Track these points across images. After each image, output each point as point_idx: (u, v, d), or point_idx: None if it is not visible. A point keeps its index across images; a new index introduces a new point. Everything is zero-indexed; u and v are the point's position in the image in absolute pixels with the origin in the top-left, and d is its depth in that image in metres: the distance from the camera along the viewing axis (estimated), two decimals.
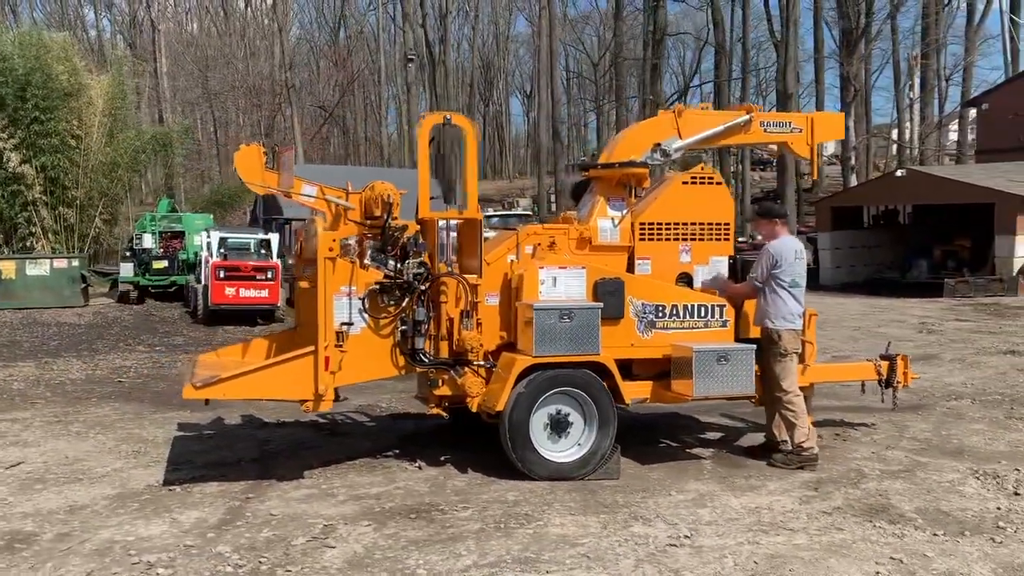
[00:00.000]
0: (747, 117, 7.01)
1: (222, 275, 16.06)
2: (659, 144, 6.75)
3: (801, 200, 36.16)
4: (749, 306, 6.66)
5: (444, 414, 6.45)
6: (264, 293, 16.37)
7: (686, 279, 6.67)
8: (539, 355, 5.88)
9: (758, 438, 7.03)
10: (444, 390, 6.17)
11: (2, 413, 8.60)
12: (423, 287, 6.05)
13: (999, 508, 5.38)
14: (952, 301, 19.25)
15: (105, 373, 11.17)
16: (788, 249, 6.49)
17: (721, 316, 6.47)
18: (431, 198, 6.43)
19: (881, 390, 7.33)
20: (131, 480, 6.15)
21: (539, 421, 5.98)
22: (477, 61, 65.84)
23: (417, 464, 6.40)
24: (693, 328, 6.39)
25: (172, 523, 5.21)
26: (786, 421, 6.38)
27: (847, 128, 29.65)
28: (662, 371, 6.37)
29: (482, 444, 6.50)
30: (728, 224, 6.79)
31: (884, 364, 7.27)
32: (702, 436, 7.44)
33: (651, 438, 7.24)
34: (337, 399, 5.95)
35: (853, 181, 35.74)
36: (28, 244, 22.96)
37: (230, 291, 16.05)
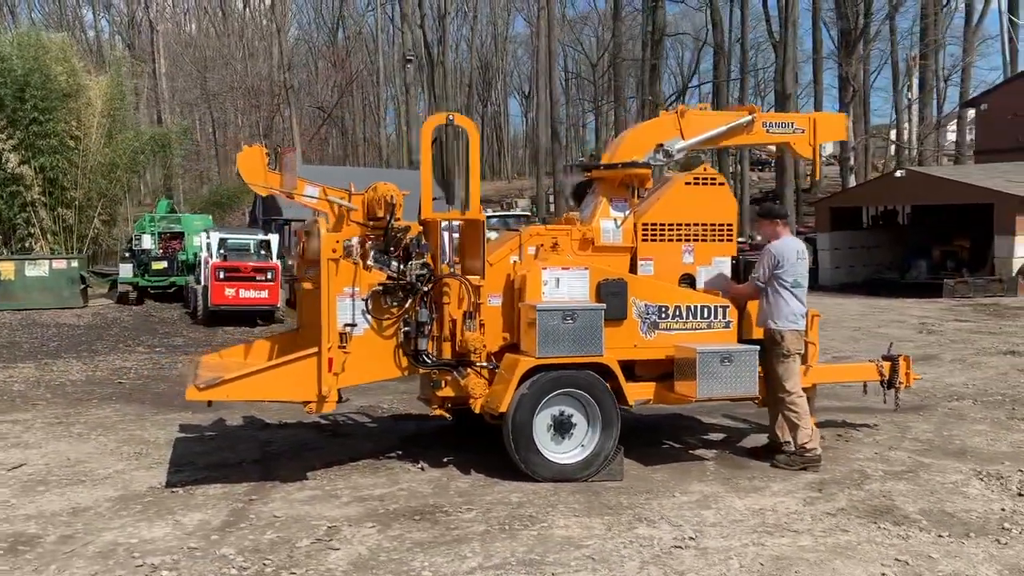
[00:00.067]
0: (749, 118, 7.01)
1: (222, 276, 16.06)
2: (662, 145, 6.75)
3: (800, 200, 36.19)
4: (752, 307, 6.66)
5: (447, 415, 6.45)
6: (264, 294, 16.38)
7: (689, 280, 6.67)
8: (542, 356, 5.87)
9: (761, 439, 7.02)
10: (447, 391, 6.17)
11: (3, 415, 8.58)
12: (426, 288, 6.04)
13: (1003, 509, 5.38)
14: (951, 301, 19.27)
15: (105, 374, 11.15)
16: (790, 249, 6.49)
17: (724, 317, 6.46)
18: (433, 199, 6.42)
19: (883, 391, 7.32)
20: (133, 482, 6.14)
21: (542, 422, 5.97)
22: (476, 62, 65.90)
23: (420, 465, 6.39)
24: (696, 329, 6.38)
25: (175, 525, 5.20)
26: (789, 422, 6.38)
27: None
28: (665, 372, 6.36)
29: (485, 445, 6.49)
30: (731, 225, 6.79)
31: (886, 365, 7.27)
32: (705, 437, 7.44)
33: (654, 439, 7.24)
34: (340, 400, 5.94)
35: (852, 182, 35.80)
36: (27, 245, 22.96)
37: (230, 292, 16.06)
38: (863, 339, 13.31)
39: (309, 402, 5.81)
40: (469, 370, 6.10)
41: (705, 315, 6.42)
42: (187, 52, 54.66)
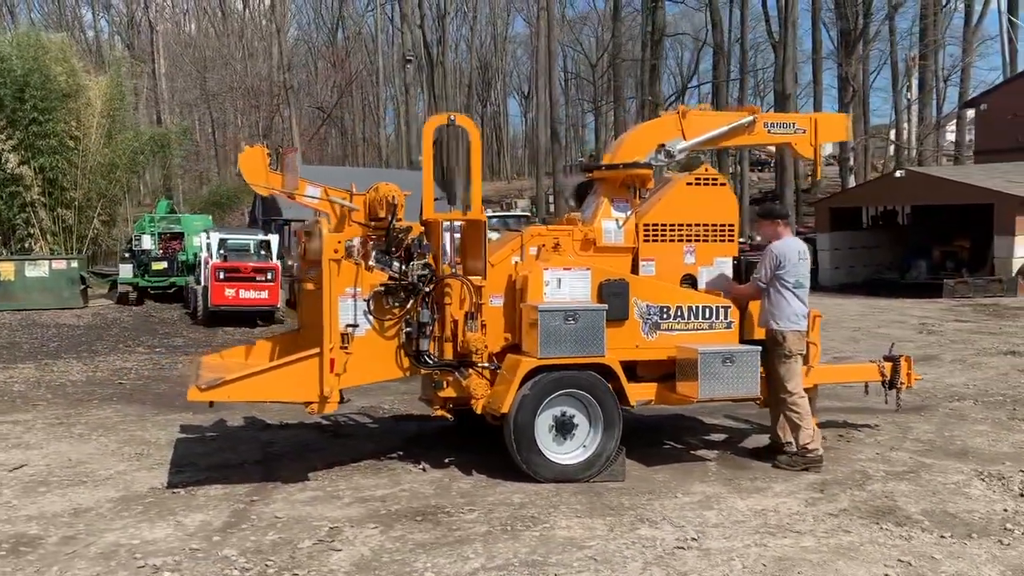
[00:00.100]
0: (751, 118, 7.01)
1: (222, 276, 16.05)
2: (663, 145, 6.74)
3: (800, 201, 36.19)
4: (754, 307, 6.65)
5: (449, 416, 6.45)
6: (264, 294, 16.36)
7: (690, 280, 6.67)
8: (544, 357, 5.86)
9: (763, 439, 7.02)
10: (449, 392, 6.17)
11: (4, 415, 8.57)
12: (428, 289, 6.04)
13: (1005, 510, 5.38)
14: (951, 302, 19.27)
15: (106, 375, 11.15)
16: (792, 250, 6.49)
17: (726, 317, 6.46)
18: (435, 199, 6.42)
19: (885, 391, 7.32)
20: (135, 483, 6.13)
21: (544, 423, 5.96)
22: (475, 62, 65.91)
23: (422, 466, 6.38)
24: (698, 330, 6.38)
25: (177, 526, 5.19)
26: (791, 422, 6.38)
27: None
28: (667, 373, 6.35)
29: (486, 446, 6.48)
30: (732, 225, 6.79)
31: (888, 365, 7.26)
32: (707, 438, 7.43)
33: (656, 440, 7.23)
34: (342, 401, 5.94)
35: (851, 182, 35.79)
36: (27, 245, 22.95)
37: (230, 292, 16.05)
38: (863, 339, 13.31)
39: (311, 403, 5.81)
40: (471, 371, 6.09)
41: (707, 316, 6.41)
42: (187, 52, 54.68)
